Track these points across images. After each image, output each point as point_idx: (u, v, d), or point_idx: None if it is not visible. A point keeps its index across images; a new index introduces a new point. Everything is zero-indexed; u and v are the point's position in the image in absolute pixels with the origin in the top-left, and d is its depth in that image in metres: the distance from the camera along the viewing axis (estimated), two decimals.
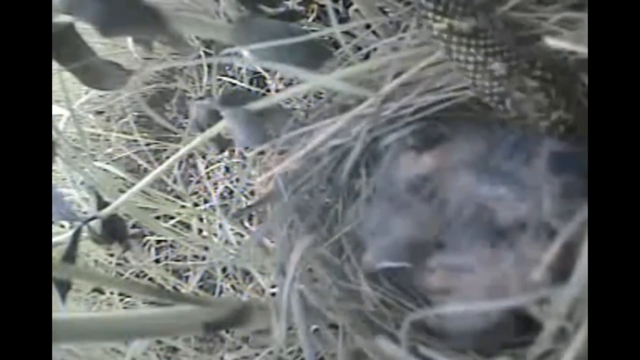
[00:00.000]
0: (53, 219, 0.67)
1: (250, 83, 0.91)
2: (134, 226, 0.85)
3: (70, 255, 0.57)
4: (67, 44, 0.53)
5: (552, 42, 0.40)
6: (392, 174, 0.55)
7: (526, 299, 0.39)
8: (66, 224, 0.63)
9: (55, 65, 0.53)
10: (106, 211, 0.61)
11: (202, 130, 0.62)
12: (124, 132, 0.98)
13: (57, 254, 0.58)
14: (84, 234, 0.60)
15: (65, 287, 0.54)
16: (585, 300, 0.35)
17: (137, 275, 0.85)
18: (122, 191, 0.63)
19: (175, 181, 0.93)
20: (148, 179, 0.62)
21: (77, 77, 0.55)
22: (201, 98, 0.63)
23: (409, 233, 0.54)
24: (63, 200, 0.61)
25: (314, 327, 0.54)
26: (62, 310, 0.54)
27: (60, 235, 0.61)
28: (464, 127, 0.54)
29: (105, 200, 0.62)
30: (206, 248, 0.84)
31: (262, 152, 0.77)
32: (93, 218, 0.59)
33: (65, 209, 0.60)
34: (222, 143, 0.63)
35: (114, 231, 0.61)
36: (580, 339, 0.36)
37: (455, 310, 0.46)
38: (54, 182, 0.64)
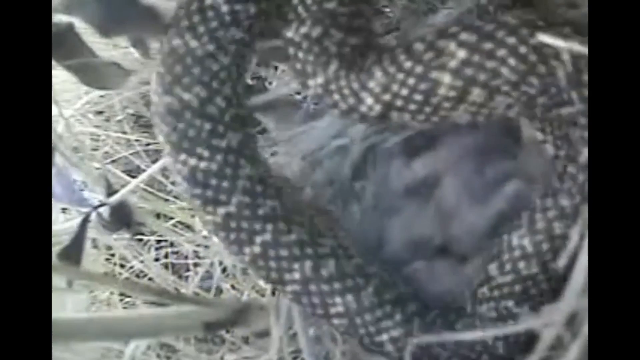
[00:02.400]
0: (63, 208, 0.67)
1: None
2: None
3: (79, 240, 0.57)
4: (66, 44, 0.53)
5: (547, 39, 0.40)
6: (388, 179, 0.55)
7: (537, 322, 0.39)
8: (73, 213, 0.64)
9: (55, 65, 0.53)
10: (115, 197, 0.62)
11: None
12: (124, 132, 0.98)
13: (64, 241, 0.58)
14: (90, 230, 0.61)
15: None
16: (583, 311, 0.35)
17: (137, 275, 0.85)
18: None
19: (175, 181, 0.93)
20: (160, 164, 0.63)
21: (77, 77, 0.55)
22: None
23: (411, 236, 0.54)
24: (74, 186, 0.62)
25: (313, 327, 0.54)
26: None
27: (69, 222, 0.62)
28: (456, 129, 0.54)
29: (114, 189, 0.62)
30: (206, 247, 0.84)
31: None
32: (102, 204, 0.59)
33: (77, 195, 0.61)
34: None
35: (121, 217, 0.62)
36: (577, 347, 0.36)
37: (462, 337, 0.47)
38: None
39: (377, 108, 0.45)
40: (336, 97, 0.46)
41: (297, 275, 0.48)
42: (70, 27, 0.53)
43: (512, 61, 0.42)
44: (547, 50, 0.41)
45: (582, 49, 0.37)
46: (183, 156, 0.47)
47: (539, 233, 0.46)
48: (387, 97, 0.45)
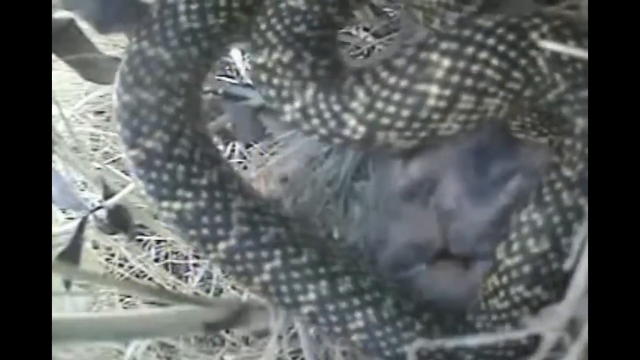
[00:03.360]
0: (61, 208, 0.67)
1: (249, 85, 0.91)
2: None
3: (76, 243, 0.57)
4: (68, 39, 0.53)
5: (550, 45, 0.40)
6: (386, 181, 0.55)
7: (544, 327, 0.38)
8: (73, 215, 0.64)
9: (55, 65, 0.53)
10: (113, 200, 0.62)
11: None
12: None
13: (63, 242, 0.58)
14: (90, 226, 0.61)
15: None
16: (582, 315, 0.35)
17: (137, 275, 0.85)
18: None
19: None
20: None
21: (78, 72, 0.56)
22: (205, 92, 0.63)
23: (411, 239, 0.54)
24: (71, 189, 0.62)
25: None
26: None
27: (67, 224, 0.62)
28: None
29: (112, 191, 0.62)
30: None
31: (262, 153, 0.77)
32: (99, 207, 0.59)
33: (73, 198, 0.61)
34: (228, 136, 0.63)
35: (119, 220, 0.62)
36: (577, 350, 0.36)
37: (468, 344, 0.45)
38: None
39: (361, 130, 0.44)
40: (315, 121, 0.45)
41: (312, 296, 0.48)
42: (71, 22, 0.53)
43: (495, 61, 0.42)
44: (523, 43, 0.42)
45: (583, 54, 0.37)
46: (165, 203, 0.48)
47: (549, 205, 0.45)
48: (371, 116, 0.43)
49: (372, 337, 0.48)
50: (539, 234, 0.45)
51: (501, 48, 0.42)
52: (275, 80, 0.46)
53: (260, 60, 0.47)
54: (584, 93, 0.43)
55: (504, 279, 0.47)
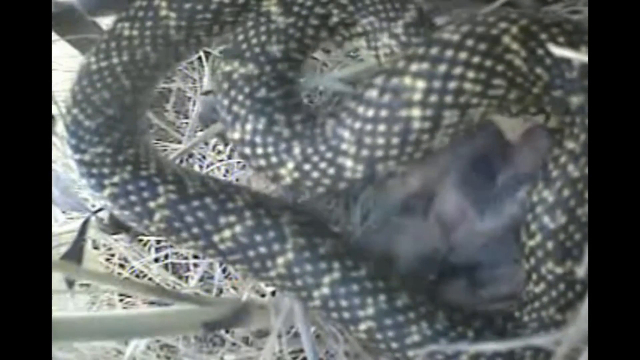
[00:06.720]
0: (63, 210, 0.67)
1: None
2: None
3: (79, 244, 0.58)
4: (70, 20, 0.55)
5: (556, 50, 0.40)
6: (387, 194, 0.55)
7: (544, 339, 0.38)
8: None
9: (55, 65, 0.53)
10: None
11: (206, 125, 0.63)
12: None
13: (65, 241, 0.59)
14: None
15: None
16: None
17: (137, 275, 0.85)
18: None
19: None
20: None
21: (80, 51, 0.56)
22: (207, 93, 0.63)
23: (417, 250, 0.53)
24: (72, 191, 0.62)
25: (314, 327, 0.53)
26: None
27: (69, 224, 0.62)
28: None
29: None
30: None
31: None
32: (101, 209, 0.60)
33: (75, 200, 0.61)
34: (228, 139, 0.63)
35: (120, 221, 0.62)
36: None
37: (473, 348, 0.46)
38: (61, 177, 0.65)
39: (360, 168, 0.44)
40: (316, 175, 0.45)
41: (371, 311, 0.47)
42: (73, 5, 0.54)
43: (471, 74, 0.41)
44: (496, 49, 0.41)
45: (583, 57, 0.37)
46: (216, 236, 0.49)
47: (557, 180, 0.44)
48: (365, 152, 0.43)
49: (429, 351, 0.47)
50: (553, 209, 0.44)
51: (475, 60, 0.41)
52: (260, 150, 0.46)
53: (236, 135, 0.47)
54: (570, 74, 0.43)
55: (532, 261, 0.46)
